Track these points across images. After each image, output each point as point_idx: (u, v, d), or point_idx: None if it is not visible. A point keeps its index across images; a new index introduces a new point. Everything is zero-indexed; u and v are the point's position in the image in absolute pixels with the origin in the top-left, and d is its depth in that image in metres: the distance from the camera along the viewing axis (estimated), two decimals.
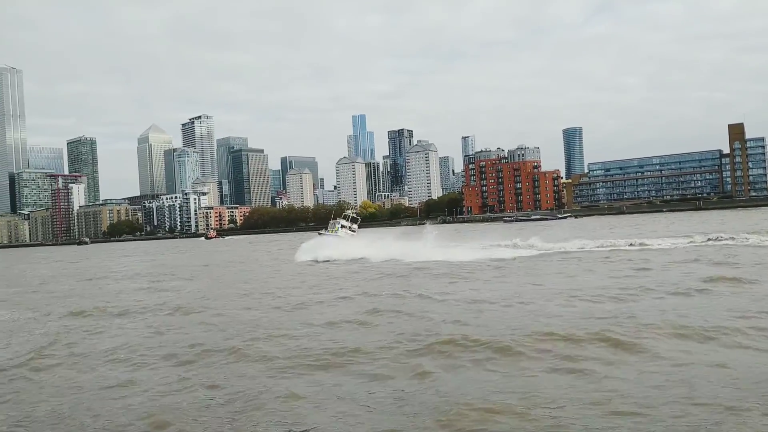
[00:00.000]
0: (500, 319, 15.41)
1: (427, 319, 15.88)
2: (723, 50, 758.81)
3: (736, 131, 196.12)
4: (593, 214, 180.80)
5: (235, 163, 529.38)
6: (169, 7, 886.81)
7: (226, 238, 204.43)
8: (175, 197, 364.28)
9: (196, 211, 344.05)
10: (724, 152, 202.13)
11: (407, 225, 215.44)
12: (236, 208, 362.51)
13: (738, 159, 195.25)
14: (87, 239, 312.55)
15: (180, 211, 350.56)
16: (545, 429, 7.86)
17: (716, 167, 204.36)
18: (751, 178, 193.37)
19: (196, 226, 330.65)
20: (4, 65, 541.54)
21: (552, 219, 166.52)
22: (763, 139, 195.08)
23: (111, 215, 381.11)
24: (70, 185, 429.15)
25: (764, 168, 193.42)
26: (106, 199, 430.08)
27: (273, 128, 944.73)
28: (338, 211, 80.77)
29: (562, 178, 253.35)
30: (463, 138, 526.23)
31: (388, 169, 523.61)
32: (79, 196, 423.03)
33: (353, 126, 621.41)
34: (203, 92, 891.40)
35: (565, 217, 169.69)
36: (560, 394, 9.09)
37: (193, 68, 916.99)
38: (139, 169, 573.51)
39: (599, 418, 8.03)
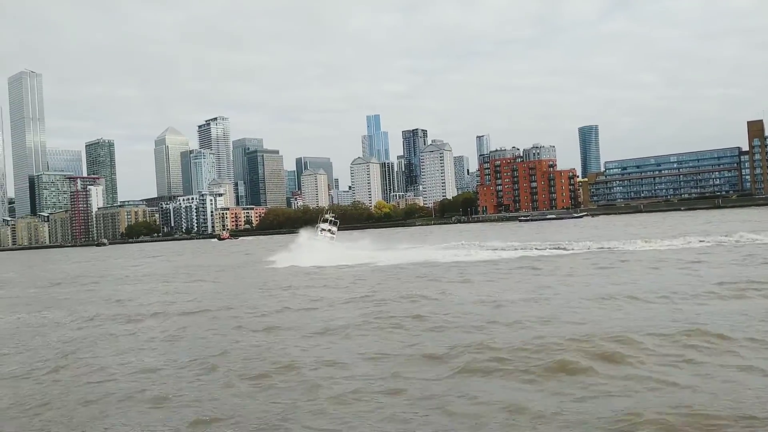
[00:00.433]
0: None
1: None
2: (740, 46, 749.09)
3: (756, 128, 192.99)
4: (610, 213, 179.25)
5: (251, 164, 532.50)
6: (184, 9, 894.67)
7: (240, 239, 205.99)
8: (192, 198, 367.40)
9: (212, 212, 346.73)
10: (743, 149, 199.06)
11: (421, 225, 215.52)
12: (252, 209, 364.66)
13: (757, 156, 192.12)
14: (105, 240, 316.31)
15: (196, 212, 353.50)
16: None
17: (735, 165, 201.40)
18: None
19: (213, 227, 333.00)
20: (24, 69, 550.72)
21: (568, 218, 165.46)
22: None
23: (129, 216, 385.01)
24: (89, 187, 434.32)
25: None
26: (123, 201, 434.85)
27: (288, 129, 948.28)
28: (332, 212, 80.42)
29: (578, 176, 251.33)
30: (477, 137, 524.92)
31: (403, 169, 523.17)
32: (97, 197, 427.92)
33: (368, 126, 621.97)
34: (218, 93, 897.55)
35: (581, 216, 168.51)
36: None
37: (209, 69, 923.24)
38: (156, 170, 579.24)
39: None
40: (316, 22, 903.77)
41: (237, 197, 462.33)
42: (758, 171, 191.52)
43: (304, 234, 59.08)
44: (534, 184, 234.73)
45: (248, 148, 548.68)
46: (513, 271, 28.91)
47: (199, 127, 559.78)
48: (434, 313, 17.76)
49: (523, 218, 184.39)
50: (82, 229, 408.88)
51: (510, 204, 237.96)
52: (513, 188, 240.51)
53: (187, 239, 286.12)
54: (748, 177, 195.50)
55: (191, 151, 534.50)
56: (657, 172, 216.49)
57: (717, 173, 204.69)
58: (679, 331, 12.93)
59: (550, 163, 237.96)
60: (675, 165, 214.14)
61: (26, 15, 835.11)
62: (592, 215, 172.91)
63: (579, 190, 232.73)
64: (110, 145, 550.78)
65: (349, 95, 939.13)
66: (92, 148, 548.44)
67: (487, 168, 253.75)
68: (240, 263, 54.79)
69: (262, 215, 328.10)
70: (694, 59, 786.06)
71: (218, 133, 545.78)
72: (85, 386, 11.70)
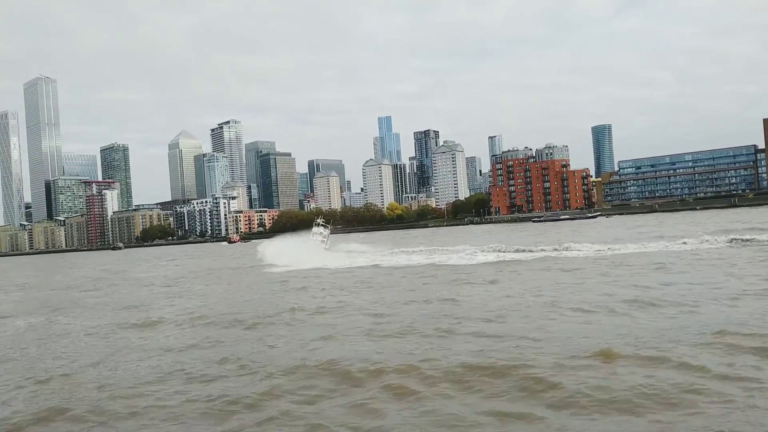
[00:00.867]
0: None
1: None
2: (756, 42, 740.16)
3: None
4: (624, 213, 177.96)
5: (264, 167, 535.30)
6: (196, 13, 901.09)
7: (251, 242, 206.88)
8: (206, 202, 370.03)
9: (225, 215, 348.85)
10: (760, 147, 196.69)
11: (434, 226, 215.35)
12: (265, 211, 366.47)
13: None
14: (121, 244, 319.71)
15: (210, 215, 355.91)
16: None
17: (751, 163, 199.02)
18: None
19: (226, 229, 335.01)
20: (40, 75, 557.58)
21: (582, 218, 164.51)
22: None
23: (143, 220, 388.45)
24: (104, 191, 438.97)
25: None
26: (138, 205, 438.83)
27: (300, 131, 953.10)
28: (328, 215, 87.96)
29: (591, 176, 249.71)
30: (489, 138, 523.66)
31: (415, 171, 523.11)
32: (112, 201, 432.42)
33: (379, 128, 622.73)
34: (231, 97, 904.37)
35: (594, 216, 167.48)
36: None
37: (221, 73, 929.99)
38: (170, 174, 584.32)
39: None
40: (328, 25, 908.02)
41: (250, 200, 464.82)
42: None
43: (291, 238, 64.74)
44: (547, 185, 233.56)
45: (261, 151, 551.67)
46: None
47: (212, 130, 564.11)
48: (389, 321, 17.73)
49: (536, 219, 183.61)
50: (98, 233, 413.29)
51: (523, 204, 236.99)
52: (526, 189, 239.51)
53: (201, 242, 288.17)
54: (764, 175, 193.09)
55: (204, 155, 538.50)
56: (672, 171, 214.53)
57: (733, 172, 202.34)
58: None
59: (563, 162, 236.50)
60: (690, 164, 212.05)
61: (41, 21, 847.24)
62: (606, 215, 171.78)
63: (593, 190, 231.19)
64: (125, 149, 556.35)
65: (360, 97, 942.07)
66: (107, 152, 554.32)
67: (500, 168, 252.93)
68: (235, 266, 56.43)
69: (275, 218, 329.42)
70: (709, 56, 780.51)
71: (231, 136, 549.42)
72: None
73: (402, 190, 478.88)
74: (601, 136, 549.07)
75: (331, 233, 72.18)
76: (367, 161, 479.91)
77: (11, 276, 73.30)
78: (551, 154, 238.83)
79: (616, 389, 9.65)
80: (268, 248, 56.56)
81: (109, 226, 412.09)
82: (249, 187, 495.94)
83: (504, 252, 41.63)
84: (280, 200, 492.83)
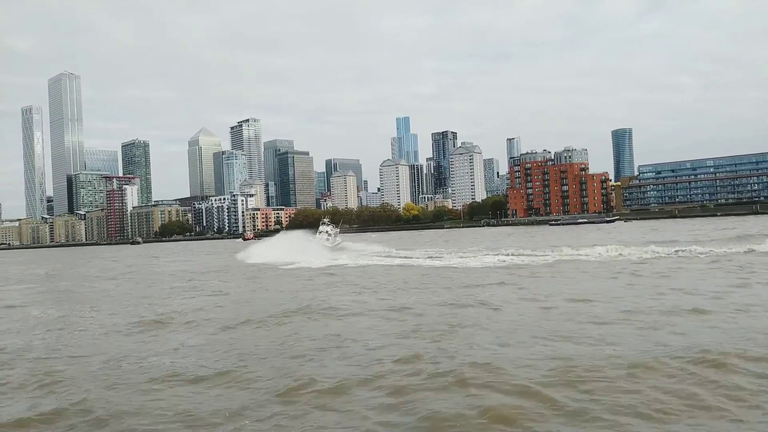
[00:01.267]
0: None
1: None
2: None
3: None
4: (643, 218, 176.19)
5: (282, 166, 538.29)
6: (217, 13, 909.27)
7: (263, 239, 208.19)
8: (224, 199, 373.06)
9: (243, 212, 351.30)
10: None
11: (450, 227, 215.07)
12: (282, 209, 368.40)
13: None
14: (139, 239, 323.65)
15: (228, 212, 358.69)
16: None
17: None
18: None
19: (243, 226, 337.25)
20: (64, 71, 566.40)
21: (600, 222, 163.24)
22: None
23: (162, 216, 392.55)
24: (124, 186, 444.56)
25: None
26: (157, 200, 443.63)
27: (318, 131, 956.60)
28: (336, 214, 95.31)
29: (610, 180, 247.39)
30: (508, 140, 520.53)
31: (432, 172, 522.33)
32: (132, 197, 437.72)
33: (397, 128, 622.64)
34: (250, 95, 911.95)
35: (613, 221, 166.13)
36: None
37: (241, 72, 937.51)
38: (190, 170, 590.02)
39: None
40: (348, 25, 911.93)
41: (267, 198, 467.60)
42: None
43: (291, 237, 67.77)
44: (565, 188, 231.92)
45: (279, 150, 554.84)
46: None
47: (232, 128, 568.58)
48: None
49: (553, 222, 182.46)
50: (118, 228, 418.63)
51: (540, 207, 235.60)
52: (544, 191, 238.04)
53: (218, 239, 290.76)
54: None
55: (223, 152, 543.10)
56: (693, 177, 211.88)
57: (755, 178, 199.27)
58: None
59: (582, 166, 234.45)
60: (711, 169, 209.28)
61: (66, 19, 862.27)
62: (625, 220, 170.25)
63: (611, 194, 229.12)
64: (145, 145, 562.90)
65: (379, 97, 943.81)
66: (128, 148, 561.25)
67: (518, 171, 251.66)
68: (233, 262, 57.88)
69: (292, 216, 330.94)
70: (732, 61, 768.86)
71: (250, 134, 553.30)
72: None
73: (419, 191, 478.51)
74: (621, 140, 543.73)
75: (342, 232, 76.98)
76: (384, 161, 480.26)
77: (34, 267, 74.65)
78: (570, 157, 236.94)
79: None
80: (258, 248, 59.28)
81: (129, 220, 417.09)
82: (267, 185, 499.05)
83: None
84: (297, 198, 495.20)
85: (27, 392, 11.35)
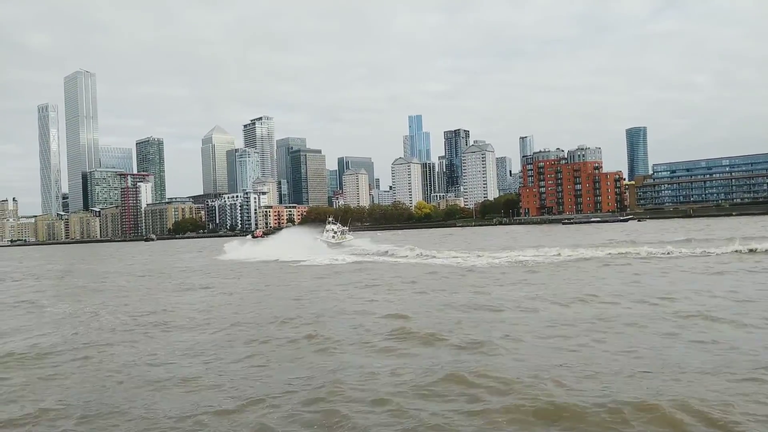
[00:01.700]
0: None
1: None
2: None
3: None
4: (658, 217, 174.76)
5: (294, 164, 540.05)
6: (231, 10, 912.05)
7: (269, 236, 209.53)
8: (236, 196, 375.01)
9: (255, 210, 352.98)
10: None
11: (461, 226, 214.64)
12: (294, 207, 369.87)
13: None
14: (153, 236, 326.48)
15: (241, 209, 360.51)
16: None
17: None
18: None
19: (256, 224, 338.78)
20: (79, 69, 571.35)
21: (613, 221, 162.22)
22: None
23: (176, 213, 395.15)
24: (139, 184, 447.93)
25: None
26: (171, 198, 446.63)
27: (330, 128, 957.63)
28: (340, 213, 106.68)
29: (624, 179, 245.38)
30: (521, 138, 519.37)
31: (444, 170, 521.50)
32: (146, 194, 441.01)
33: (409, 126, 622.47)
34: (263, 93, 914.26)
35: (626, 220, 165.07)
36: None
37: (254, 70, 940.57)
38: (203, 168, 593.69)
39: None
40: (361, 24, 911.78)
41: (280, 195, 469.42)
42: None
43: (293, 234, 75.24)
44: (578, 187, 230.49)
45: (291, 148, 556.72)
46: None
47: (245, 126, 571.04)
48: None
49: (566, 221, 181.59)
50: (132, 224, 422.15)
51: (553, 206, 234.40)
52: (556, 190, 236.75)
53: (231, 236, 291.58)
54: None
55: (237, 150, 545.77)
56: (708, 176, 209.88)
57: None
58: None
59: (596, 165, 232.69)
60: (727, 168, 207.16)
61: (81, 17, 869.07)
62: (639, 219, 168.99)
63: (625, 193, 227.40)
64: (159, 143, 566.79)
65: (391, 95, 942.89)
66: (142, 145, 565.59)
67: (531, 169, 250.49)
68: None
69: (304, 214, 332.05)
70: (748, 59, 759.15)
71: (263, 132, 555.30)
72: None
73: (431, 189, 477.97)
74: (635, 138, 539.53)
75: (353, 230, 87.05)
76: (396, 159, 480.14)
77: (51, 264, 75.61)
78: (583, 155, 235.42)
79: None
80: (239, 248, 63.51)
81: (143, 217, 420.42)
82: (279, 183, 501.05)
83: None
84: (310, 196, 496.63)
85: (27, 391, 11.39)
